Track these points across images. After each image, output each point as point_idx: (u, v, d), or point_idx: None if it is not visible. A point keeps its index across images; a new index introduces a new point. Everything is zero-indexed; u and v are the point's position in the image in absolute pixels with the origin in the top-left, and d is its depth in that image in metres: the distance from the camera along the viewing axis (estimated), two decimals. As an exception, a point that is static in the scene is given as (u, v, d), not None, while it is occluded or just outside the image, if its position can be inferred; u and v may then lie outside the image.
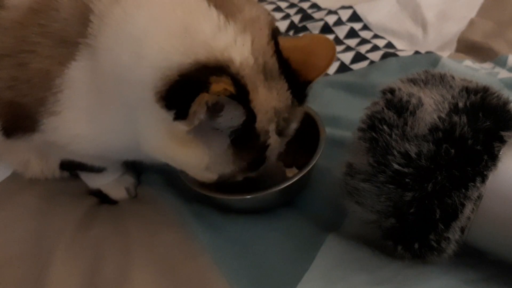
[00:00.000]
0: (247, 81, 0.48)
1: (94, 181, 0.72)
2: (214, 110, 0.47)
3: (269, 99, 0.51)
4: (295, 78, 0.52)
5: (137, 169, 0.74)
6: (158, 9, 0.50)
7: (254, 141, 0.52)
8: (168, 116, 0.48)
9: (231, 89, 0.45)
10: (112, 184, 0.72)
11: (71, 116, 0.56)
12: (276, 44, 0.52)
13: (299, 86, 0.53)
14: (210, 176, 0.55)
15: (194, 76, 0.47)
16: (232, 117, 0.48)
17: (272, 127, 0.52)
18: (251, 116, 0.49)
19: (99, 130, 0.57)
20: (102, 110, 0.55)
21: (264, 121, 0.51)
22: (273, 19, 0.55)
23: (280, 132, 0.54)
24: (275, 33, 0.53)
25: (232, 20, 0.49)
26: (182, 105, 0.46)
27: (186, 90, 0.46)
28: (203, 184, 0.60)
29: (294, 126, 0.56)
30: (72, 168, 0.70)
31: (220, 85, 0.44)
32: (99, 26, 0.52)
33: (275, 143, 0.54)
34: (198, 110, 0.46)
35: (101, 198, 0.72)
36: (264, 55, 0.51)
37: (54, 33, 0.54)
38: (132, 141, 0.57)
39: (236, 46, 0.49)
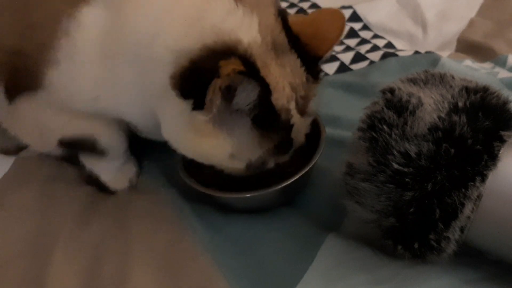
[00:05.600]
0: (257, 59, 0.49)
1: (96, 168, 0.70)
2: (229, 92, 0.47)
3: (283, 75, 0.51)
4: (307, 54, 0.53)
5: (137, 156, 0.73)
6: None
7: (276, 119, 0.51)
8: (185, 106, 0.49)
9: (240, 67, 0.45)
10: (114, 173, 0.70)
11: (74, 67, 0.55)
12: (285, 21, 0.53)
13: (312, 61, 0.53)
14: (237, 165, 0.54)
15: (204, 62, 0.47)
16: (247, 93, 0.48)
17: (292, 105, 0.52)
18: (265, 88, 0.49)
19: (101, 87, 0.56)
20: (109, 66, 0.54)
21: (283, 98, 0.51)
22: (278, 1, 0.56)
23: (301, 111, 0.53)
24: (282, 12, 0.53)
25: (240, 3, 0.50)
26: (198, 94, 0.46)
27: (199, 78, 0.46)
28: (203, 183, 0.60)
29: (313, 104, 0.55)
30: (73, 146, 0.67)
31: (229, 67, 0.44)
32: None
33: (299, 123, 0.54)
34: (214, 97, 0.46)
35: (99, 187, 0.71)
36: (272, 32, 0.51)
37: None
38: (141, 110, 0.57)
39: (244, 27, 0.50)
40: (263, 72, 0.49)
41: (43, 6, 0.53)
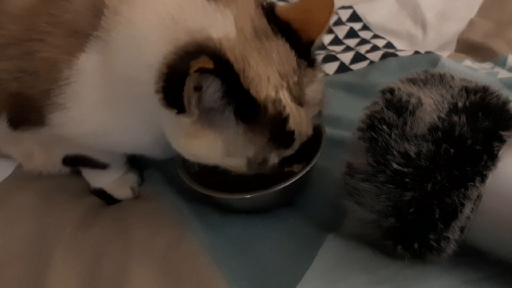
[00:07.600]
0: (229, 53, 0.48)
1: (97, 180, 0.72)
2: (200, 90, 0.46)
3: (268, 62, 0.50)
4: (298, 39, 0.52)
5: (139, 166, 0.74)
6: (152, 6, 0.51)
7: (262, 112, 0.50)
8: (172, 113, 0.49)
9: (208, 65, 0.45)
10: (116, 183, 0.71)
11: (79, 110, 0.56)
12: (270, 10, 0.52)
13: (304, 47, 0.52)
14: (237, 163, 0.54)
15: (178, 64, 0.47)
16: (213, 90, 0.47)
17: (284, 95, 0.51)
18: (236, 81, 0.48)
19: (108, 126, 0.57)
20: (113, 106, 0.55)
21: (268, 89, 0.50)
22: None
23: (297, 100, 0.52)
24: (267, 3, 0.53)
25: (213, 1, 0.50)
26: (178, 97, 0.46)
27: (176, 81, 0.46)
28: (203, 183, 0.60)
29: (313, 93, 0.53)
30: (75, 163, 0.70)
31: (197, 65, 0.44)
32: (112, 21, 0.52)
33: (297, 113, 0.52)
34: (190, 97, 0.46)
35: (104, 198, 0.71)
36: (252, 21, 0.51)
37: (65, 23, 0.54)
38: (145, 137, 0.58)
39: (215, 23, 0.49)
40: (237, 66, 0.48)
41: (41, 54, 0.54)
